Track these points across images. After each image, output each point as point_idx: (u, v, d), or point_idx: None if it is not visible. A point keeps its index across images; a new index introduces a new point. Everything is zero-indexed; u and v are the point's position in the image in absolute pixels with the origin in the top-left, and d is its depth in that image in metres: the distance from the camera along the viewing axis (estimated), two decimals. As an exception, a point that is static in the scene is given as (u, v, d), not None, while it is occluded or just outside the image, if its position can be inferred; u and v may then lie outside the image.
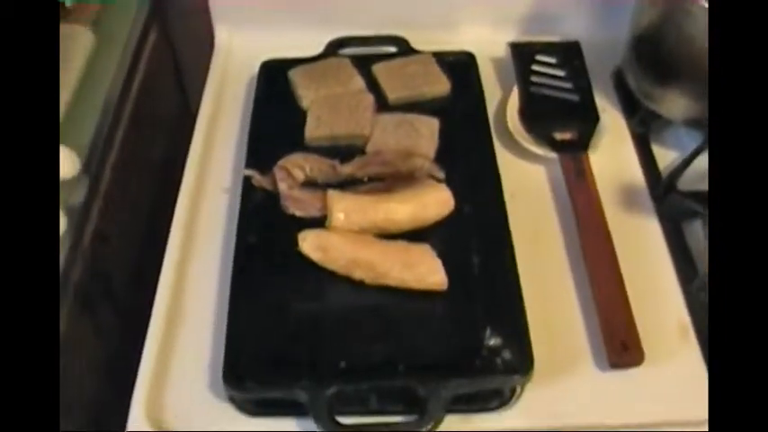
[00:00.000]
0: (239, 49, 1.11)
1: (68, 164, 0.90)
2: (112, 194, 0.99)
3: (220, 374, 0.74)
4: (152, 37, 1.17)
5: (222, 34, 1.12)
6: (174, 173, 0.98)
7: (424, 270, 0.77)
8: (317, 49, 1.05)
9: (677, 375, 0.76)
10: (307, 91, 0.96)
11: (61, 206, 0.87)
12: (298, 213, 0.84)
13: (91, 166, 0.94)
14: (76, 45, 1.04)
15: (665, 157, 0.96)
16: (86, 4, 1.11)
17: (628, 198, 0.91)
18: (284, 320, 0.77)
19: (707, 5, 0.83)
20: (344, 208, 0.80)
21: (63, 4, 1.08)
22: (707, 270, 0.80)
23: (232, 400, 0.75)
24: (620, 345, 0.76)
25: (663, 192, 0.90)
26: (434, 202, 0.82)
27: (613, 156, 0.95)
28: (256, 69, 1.03)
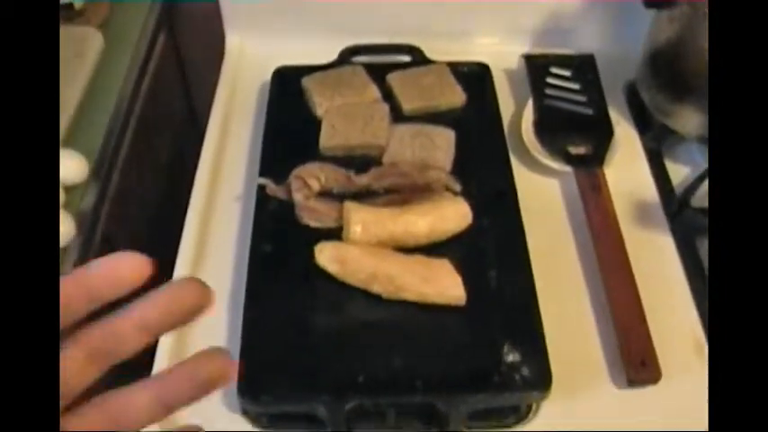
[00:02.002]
0: (250, 56, 1.10)
1: (78, 168, 0.89)
2: (119, 198, 0.98)
3: (234, 387, 0.72)
4: (161, 40, 1.16)
5: (233, 40, 1.11)
6: (179, 177, 0.96)
7: (444, 284, 0.76)
8: (330, 56, 1.04)
9: (693, 392, 0.75)
10: (321, 99, 0.95)
11: (70, 211, 0.86)
12: (313, 224, 0.83)
13: (100, 170, 0.93)
14: (86, 47, 1.04)
15: (678, 172, 0.96)
16: (96, 6, 1.10)
17: (641, 213, 0.91)
18: (301, 333, 0.76)
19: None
20: (362, 220, 0.79)
21: (73, 5, 1.07)
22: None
23: (245, 412, 0.74)
24: (638, 361, 0.76)
25: (677, 208, 0.90)
26: (453, 215, 0.81)
27: (626, 171, 0.95)
28: (267, 76, 1.02)
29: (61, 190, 0.86)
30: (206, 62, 1.16)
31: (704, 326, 0.81)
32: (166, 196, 1.11)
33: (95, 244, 0.90)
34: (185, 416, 0.72)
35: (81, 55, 1.02)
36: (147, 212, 1.11)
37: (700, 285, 0.84)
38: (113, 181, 0.97)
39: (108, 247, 0.95)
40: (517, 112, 1.01)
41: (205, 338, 0.80)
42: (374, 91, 0.97)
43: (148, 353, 0.78)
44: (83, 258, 0.86)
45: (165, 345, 0.79)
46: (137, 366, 0.78)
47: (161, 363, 0.78)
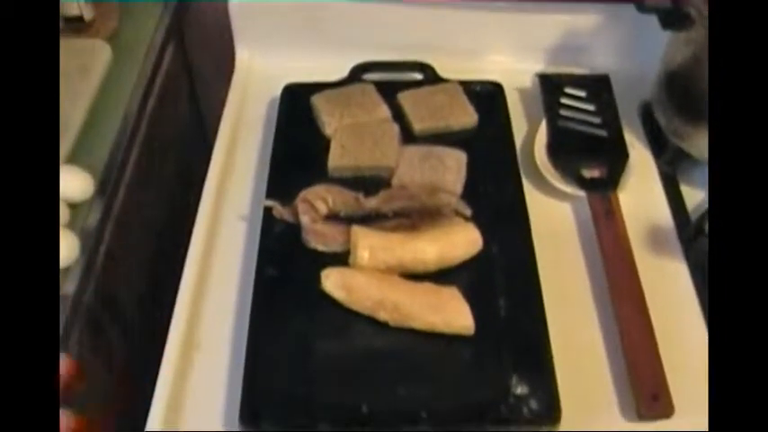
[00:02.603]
0: (260, 70, 1.09)
1: (82, 185, 0.88)
2: (125, 214, 0.97)
3: (236, 412, 0.72)
4: (170, 52, 1.14)
5: (243, 54, 1.10)
6: (187, 193, 0.95)
7: (452, 314, 0.75)
8: (341, 72, 1.02)
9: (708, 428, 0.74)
10: (330, 118, 0.94)
11: (75, 228, 0.85)
12: (320, 248, 0.82)
13: (105, 187, 0.91)
14: (94, 59, 1.03)
15: (694, 197, 0.94)
16: (105, 18, 1.09)
17: (655, 240, 0.89)
18: (305, 360, 0.75)
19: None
20: (369, 245, 0.78)
21: (82, 17, 1.06)
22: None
23: (246, 440, 0.73)
24: (649, 395, 0.74)
25: (692, 234, 0.88)
26: (463, 241, 0.80)
27: (641, 194, 0.93)
28: (277, 91, 1.00)
29: (66, 208, 0.85)
30: (216, 75, 1.15)
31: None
32: (173, 213, 1.10)
33: (99, 261, 0.89)
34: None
35: (89, 67, 1.01)
36: (154, 229, 1.10)
37: (714, 316, 0.82)
38: (119, 197, 0.96)
39: (113, 264, 0.94)
40: (530, 133, 0.99)
41: (209, 361, 0.79)
42: (384, 110, 0.96)
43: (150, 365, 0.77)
44: (86, 277, 0.85)
45: (170, 368, 0.78)
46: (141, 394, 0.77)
47: (164, 385, 0.77)
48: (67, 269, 0.82)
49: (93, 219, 0.88)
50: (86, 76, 1.00)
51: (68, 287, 0.82)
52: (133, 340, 1.01)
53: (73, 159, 0.92)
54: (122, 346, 0.99)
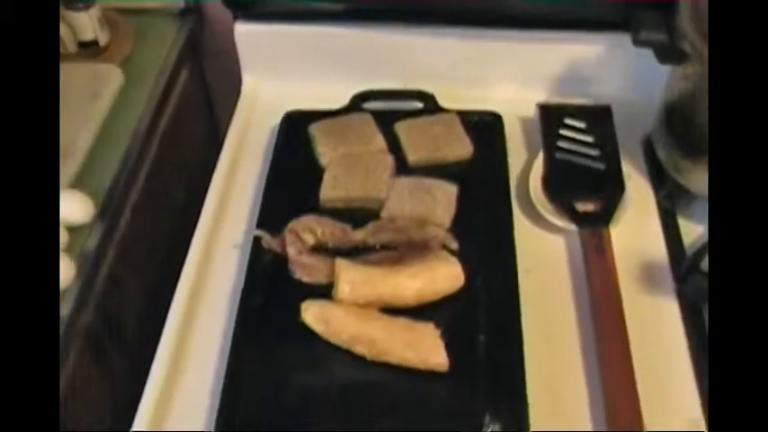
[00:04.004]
0: (265, 96, 1.10)
1: (82, 209, 0.90)
2: (129, 237, 0.99)
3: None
4: (184, 77, 1.16)
5: (249, 80, 1.11)
6: (194, 216, 0.97)
7: (427, 350, 0.75)
8: (344, 99, 1.03)
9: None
10: (326, 148, 0.95)
11: (73, 252, 0.88)
12: (305, 279, 0.83)
13: (108, 209, 0.94)
14: (106, 83, 1.05)
15: (692, 232, 0.93)
16: (120, 43, 1.11)
17: (648, 277, 0.88)
18: (283, 391, 0.76)
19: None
20: (351, 279, 0.79)
21: (97, 42, 1.09)
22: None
23: (222, 468, 0.74)
24: (625, 439, 0.74)
25: (686, 271, 0.87)
26: (444, 277, 0.80)
27: (637, 229, 0.92)
28: (280, 118, 1.02)
29: (64, 231, 0.87)
30: (229, 100, 1.16)
31: (703, 406, 0.78)
32: (180, 238, 1.12)
33: (98, 285, 0.91)
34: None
35: (99, 92, 1.04)
36: (162, 250, 1.12)
37: (702, 359, 0.81)
38: (123, 220, 0.98)
39: (115, 286, 0.96)
40: (527, 164, 0.98)
41: (194, 387, 0.81)
42: (380, 141, 0.96)
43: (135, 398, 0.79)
44: (83, 298, 0.87)
45: (153, 393, 0.80)
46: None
47: (147, 408, 0.79)
48: (63, 291, 0.85)
49: (93, 242, 0.90)
50: (97, 100, 1.03)
51: (64, 309, 0.84)
52: (136, 362, 1.03)
53: (80, 183, 0.94)
54: (125, 367, 1.01)
